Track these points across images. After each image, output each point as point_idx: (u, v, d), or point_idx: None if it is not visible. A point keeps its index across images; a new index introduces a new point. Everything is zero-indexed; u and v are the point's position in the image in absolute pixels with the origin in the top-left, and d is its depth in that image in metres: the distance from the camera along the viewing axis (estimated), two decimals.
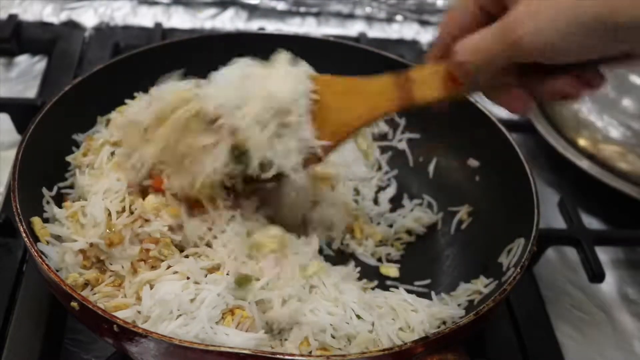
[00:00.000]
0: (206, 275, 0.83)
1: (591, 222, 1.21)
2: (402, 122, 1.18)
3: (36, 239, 0.85)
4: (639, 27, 0.59)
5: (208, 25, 1.57)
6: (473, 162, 1.09)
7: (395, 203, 1.13)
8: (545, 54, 0.65)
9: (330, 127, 0.83)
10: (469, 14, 0.75)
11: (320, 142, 0.82)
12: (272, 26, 1.58)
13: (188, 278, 0.82)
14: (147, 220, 0.86)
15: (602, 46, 0.62)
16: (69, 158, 0.99)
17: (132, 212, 0.86)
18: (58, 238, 0.87)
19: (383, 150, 1.18)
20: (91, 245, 0.84)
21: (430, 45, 0.80)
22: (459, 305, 0.91)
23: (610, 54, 0.64)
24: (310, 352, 0.79)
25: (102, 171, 0.93)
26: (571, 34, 0.61)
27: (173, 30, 1.52)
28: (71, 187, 0.96)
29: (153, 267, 0.84)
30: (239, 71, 0.84)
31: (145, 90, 1.11)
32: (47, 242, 0.86)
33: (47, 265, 0.77)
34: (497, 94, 0.76)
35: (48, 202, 0.92)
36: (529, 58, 0.66)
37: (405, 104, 0.81)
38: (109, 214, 0.86)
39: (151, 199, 0.87)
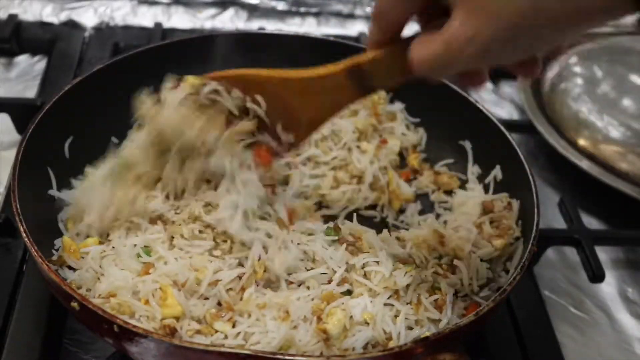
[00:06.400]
0: None
1: (591, 222, 1.21)
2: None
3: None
4: (557, 22, 0.63)
5: (208, 25, 1.56)
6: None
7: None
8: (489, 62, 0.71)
9: (296, 125, 0.88)
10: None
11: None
12: (272, 26, 1.58)
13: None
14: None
15: (529, 44, 0.67)
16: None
17: None
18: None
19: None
20: None
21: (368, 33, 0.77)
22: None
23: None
24: None
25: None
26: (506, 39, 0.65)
27: (173, 30, 1.52)
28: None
29: None
30: None
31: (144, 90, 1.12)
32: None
33: (47, 265, 0.77)
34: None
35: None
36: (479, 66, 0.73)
37: (366, 94, 0.83)
38: None
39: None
